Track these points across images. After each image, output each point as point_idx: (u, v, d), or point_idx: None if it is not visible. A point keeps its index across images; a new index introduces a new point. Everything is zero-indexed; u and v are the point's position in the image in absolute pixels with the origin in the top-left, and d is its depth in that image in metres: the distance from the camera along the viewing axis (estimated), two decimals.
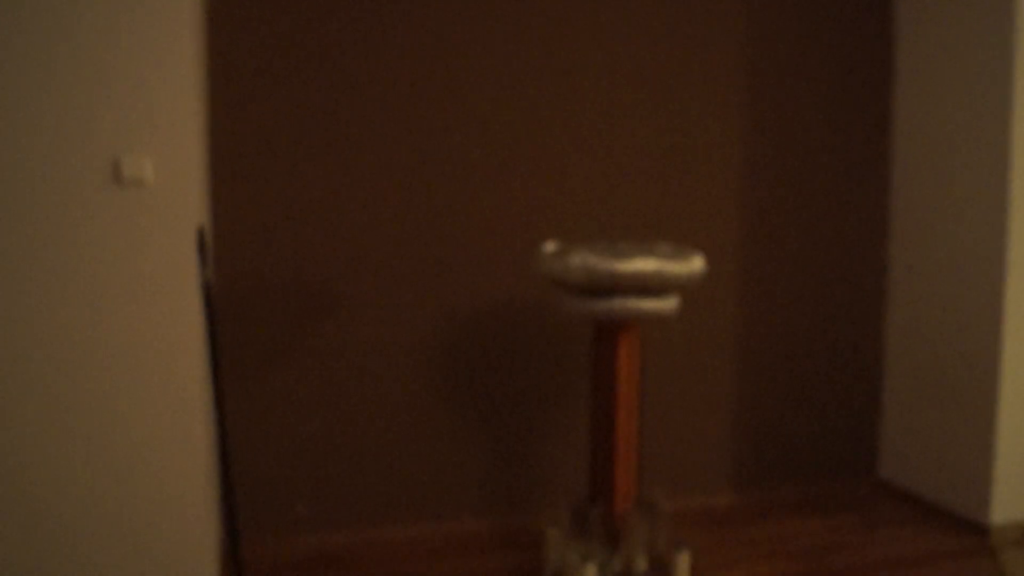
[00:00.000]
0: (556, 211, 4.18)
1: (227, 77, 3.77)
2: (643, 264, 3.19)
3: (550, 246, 3.41)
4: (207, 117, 3.73)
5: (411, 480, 4.14)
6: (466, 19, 4.02)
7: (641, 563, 3.49)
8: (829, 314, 4.64)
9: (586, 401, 4.30)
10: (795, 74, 4.46)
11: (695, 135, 4.34)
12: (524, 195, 4.13)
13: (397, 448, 4.10)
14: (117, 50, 3.06)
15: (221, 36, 3.75)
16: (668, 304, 3.35)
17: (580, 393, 4.29)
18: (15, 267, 3.06)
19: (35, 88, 3.02)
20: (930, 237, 4.42)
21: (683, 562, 3.48)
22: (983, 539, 4.11)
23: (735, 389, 4.53)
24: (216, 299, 3.82)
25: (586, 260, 3.19)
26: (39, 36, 3.01)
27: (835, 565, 3.85)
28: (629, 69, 4.23)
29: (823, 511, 4.43)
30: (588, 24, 4.16)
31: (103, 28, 3.05)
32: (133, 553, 3.25)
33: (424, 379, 4.10)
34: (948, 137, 4.29)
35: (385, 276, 4.01)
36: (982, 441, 4.16)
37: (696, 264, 3.31)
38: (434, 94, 4.01)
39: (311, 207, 3.90)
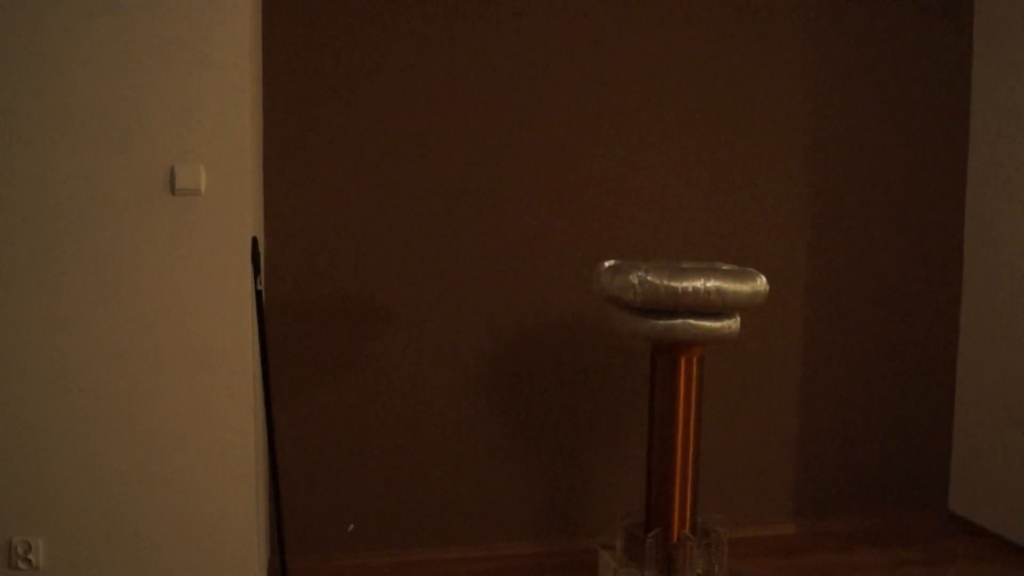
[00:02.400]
0: (615, 229, 4.11)
1: (282, 89, 3.76)
2: (704, 283, 3.10)
3: (608, 264, 3.34)
4: (261, 128, 3.72)
5: (462, 501, 4.07)
6: (530, 37, 3.97)
7: None
8: (898, 340, 4.49)
9: (644, 423, 4.21)
10: (862, 84, 4.35)
11: (758, 151, 4.24)
12: (583, 212, 4.07)
13: (448, 467, 4.05)
14: (171, 60, 3.07)
15: (276, 48, 3.74)
16: (730, 325, 3.26)
17: (637, 415, 4.20)
18: (71, 275, 3.08)
19: (91, 98, 3.04)
20: (1007, 262, 4.27)
21: None
22: None
23: (798, 415, 4.41)
24: (268, 309, 3.80)
25: (645, 278, 3.11)
26: (96, 47, 3.04)
27: None
28: (690, 85, 4.15)
29: (888, 544, 4.28)
30: (648, 40, 4.09)
31: (158, 39, 3.06)
32: (181, 566, 3.23)
33: (477, 398, 4.04)
34: None
35: (439, 292, 3.97)
36: None
37: (759, 284, 3.21)
38: (493, 109, 3.97)
39: (364, 221, 3.88)
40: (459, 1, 3.90)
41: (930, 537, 4.37)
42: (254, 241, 3.18)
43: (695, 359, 3.38)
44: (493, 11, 3.93)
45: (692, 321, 3.19)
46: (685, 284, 3.09)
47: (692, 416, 3.40)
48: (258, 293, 3.22)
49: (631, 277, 3.13)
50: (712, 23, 4.15)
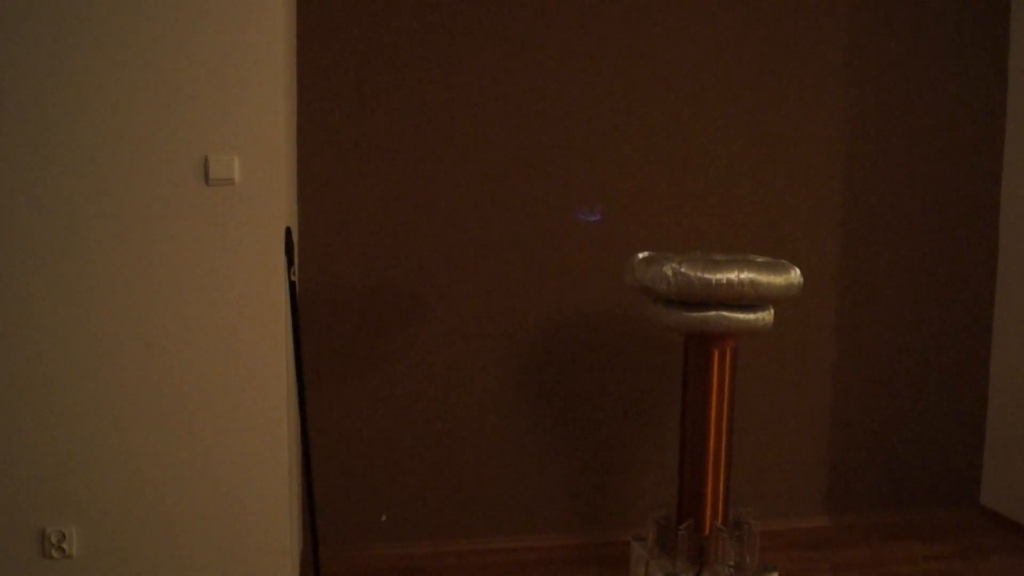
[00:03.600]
0: (648, 221, 4.10)
1: (315, 80, 3.77)
2: (738, 275, 3.08)
3: (642, 255, 3.33)
4: (295, 119, 3.73)
5: (494, 492, 4.08)
6: (560, 33, 3.96)
7: None
8: (932, 334, 4.46)
9: (676, 415, 4.20)
10: (898, 77, 4.31)
11: (794, 144, 4.22)
12: (615, 204, 4.06)
13: (481, 459, 4.05)
14: (205, 51, 3.08)
15: (310, 38, 3.75)
16: (763, 317, 3.24)
17: (670, 407, 4.19)
18: (106, 266, 3.10)
19: (126, 89, 3.06)
20: None
21: None
22: None
23: (831, 408, 4.38)
24: (301, 300, 3.81)
25: (679, 269, 3.10)
26: (130, 39, 3.04)
27: None
28: (724, 78, 4.13)
29: (921, 537, 4.26)
30: (681, 34, 4.07)
31: (193, 30, 3.07)
32: (213, 556, 3.24)
33: (510, 389, 4.05)
34: None
35: (472, 285, 3.97)
36: None
37: (793, 276, 3.19)
38: (525, 103, 3.96)
39: (398, 212, 3.88)
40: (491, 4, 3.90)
41: (962, 531, 4.35)
42: (288, 232, 3.19)
43: (728, 351, 3.36)
44: (522, 12, 3.92)
45: (726, 313, 3.18)
46: (719, 276, 3.07)
47: (725, 408, 3.38)
48: (291, 284, 3.23)
49: (665, 269, 3.12)
50: (749, 15, 4.12)
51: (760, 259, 3.25)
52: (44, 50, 3.00)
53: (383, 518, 3.98)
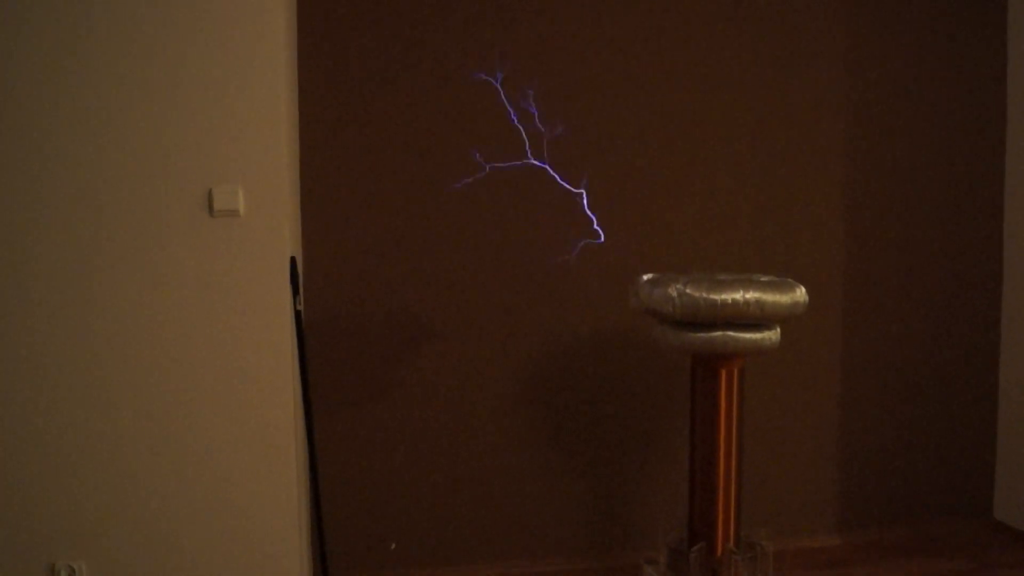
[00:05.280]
0: (653, 243, 4.10)
1: (318, 109, 3.78)
2: (743, 295, 3.08)
3: (647, 277, 3.32)
4: (299, 149, 3.74)
5: (503, 517, 4.06)
6: (566, 55, 3.97)
7: None
8: (940, 348, 4.45)
9: (685, 436, 4.19)
10: (899, 102, 4.31)
11: (797, 163, 4.22)
12: (619, 226, 4.05)
13: (490, 484, 4.04)
14: (208, 82, 3.09)
15: (312, 69, 3.76)
16: (770, 336, 3.23)
17: (679, 428, 4.18)
18: (113, 299, 3.10)
19: (130, 121, 3.08)
20: None
21: None
22: None
23: (841, 425, 4.37)
24: (307, 329, 3.81)
25: (684, 290, 3.09)
26: (133, 71, 3.06)
27: None
28: (727, 98, 4.14)
29: (935, 554, 4.23)
30: (680, 54, 4.08)
31: (195, 62, 3.08)
32: None
33: (517, 413, 4.04)
34: None
35: (478, 310, 3.97)
36: None
37: (799, 295, 3.19)
38: (528, 127, 3.96)
39: (403, 239, 3.88)
40: (493, 24, 3.90)
41: (976, 546, 4.32)
42: (292, 261, 3.19)
43: (736, 371, 3.35)
44: (523, 38, 3.93)
45: (732, 333, 3.17)
46: (724, 296, 3.07)
47: (734, 428, 3.37)
48: (297, 313, 3.23)
49: (670, 290, 3.12)
50: (748, 36, 4.13)
51: (765, 278, 3.25)
52: (47, 82, 3.01)
53: (392, 546, 3.97)
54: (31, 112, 3.01)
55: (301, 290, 3.52)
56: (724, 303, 3.07)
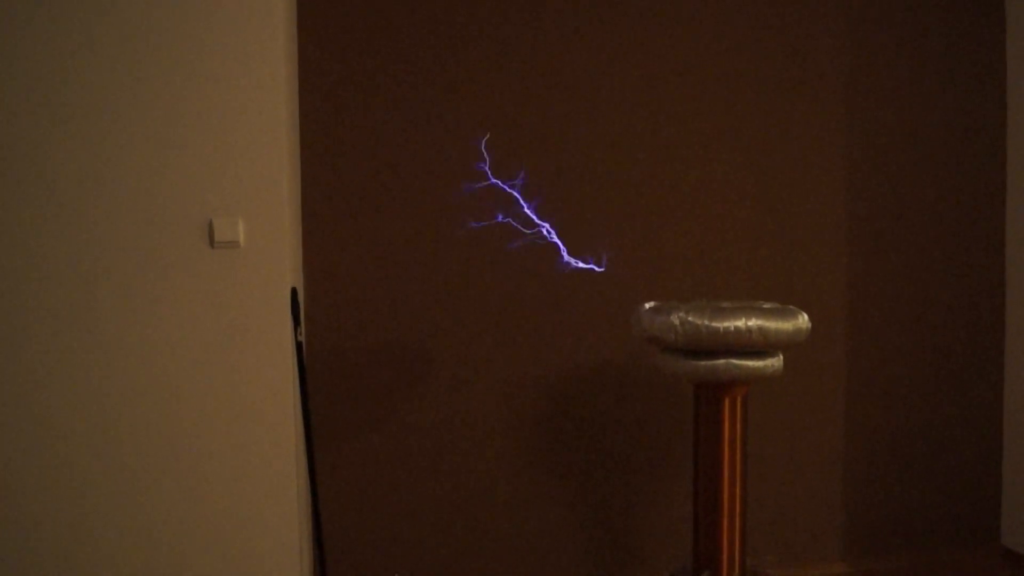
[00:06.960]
0: (654, 271, 4.09)
1: (319, 139, 3.79)
2: (746, 322, 3.07)
3: (649, 305, 3.32)
4: (300, 179, 3.74)
5: (507, 546, 4.04)
6: (562, 80, 3.98)
7: None
8: (945, 374, 4.43)
9: (689, 464, 4.17)
10: (900, 123, 4.32)
11: (797, 187, 4.22)
12: (618, 253, 4.05)
13: (493, 514, 4.02)
14: (208, 113, 3.09)
15: (313, 98, 3.77)
16: (773, 363, 3.22)
17: (682, 456, 4.16)
18: (113, 331, 3.10)
19: (129, 153, 3.07)
20: None
21: None
22: None
23: (846, 452, 4.35)
24: (308, 360, 3.80)
25: (686, 318, 3.09)
26: (132, 101, 3.06)
27: None
28: (727, 120, 4.14)
29: None
30: (679, 71, 4.09)
31: (195, 92, 3.09)
32: None
33: (519, 441, 4.02)
34: None
35: (480, 339, 3.96)
36: None
37: (801, 322, 3.18)
38: (526, 158, 3.97)
39: (405, 270, 3.88)
40: (497, 49, 3.92)
41: (983, 573, 4.29)
42: (293, 292, 3.19)
43: (739, 399, 3.34)
44: (521, 60, 3.95)
45: (735, 361, 3.16)
46: (727, 324, 3.06)
47: (738, 456, 3.36)
48: (298, 344, 3.22)
49: (672, 318, 3.11)
50: (747, 47, 4.15)
51: (767, 305, 3.24)
52: (47, 112, 3.02)
53: (396, 575, 3.96)
54: (29, 145, 3.02)
55: (303, 321, 3.52)
56: (727, 331, 3.06)
